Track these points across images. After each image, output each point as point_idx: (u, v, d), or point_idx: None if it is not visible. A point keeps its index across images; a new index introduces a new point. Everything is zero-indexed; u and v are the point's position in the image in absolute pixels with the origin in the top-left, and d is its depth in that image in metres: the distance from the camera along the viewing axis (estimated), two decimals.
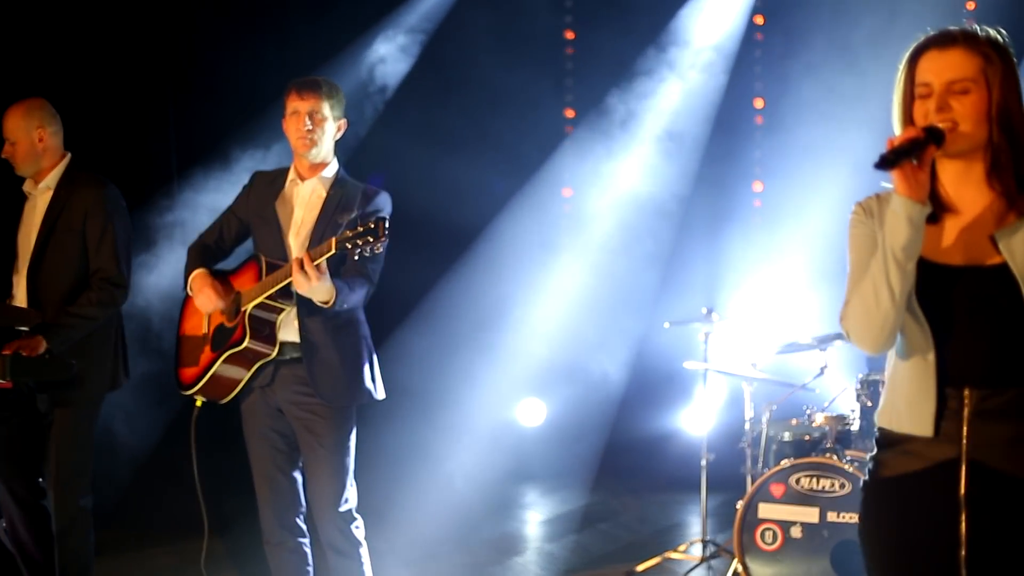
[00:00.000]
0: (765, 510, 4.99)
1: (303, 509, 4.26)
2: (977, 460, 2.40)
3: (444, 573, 5.63)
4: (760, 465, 5.46)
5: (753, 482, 5.25)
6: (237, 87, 6.63)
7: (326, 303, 3.99)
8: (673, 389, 6.89)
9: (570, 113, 7.88)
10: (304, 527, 4.27)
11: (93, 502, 4.45)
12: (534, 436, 7.72)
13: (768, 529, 4.98)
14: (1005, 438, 2.39)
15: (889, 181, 2.54)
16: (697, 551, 5.73)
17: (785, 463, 5.02)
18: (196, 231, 6.19)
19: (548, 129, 7.63)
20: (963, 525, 2.40)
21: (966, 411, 2.40)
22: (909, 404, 2.46)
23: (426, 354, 7.07)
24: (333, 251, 3.90)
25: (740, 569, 5.00)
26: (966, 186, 2.49)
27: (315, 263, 3.92)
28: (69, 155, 4.54)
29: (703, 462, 5.76)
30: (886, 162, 2.31)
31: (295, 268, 3.89)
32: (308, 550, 4.28)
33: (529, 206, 7.34)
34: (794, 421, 5.49)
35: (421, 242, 6.84)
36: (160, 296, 6.11)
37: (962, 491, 2.40)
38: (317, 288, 3.91)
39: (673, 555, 5.72)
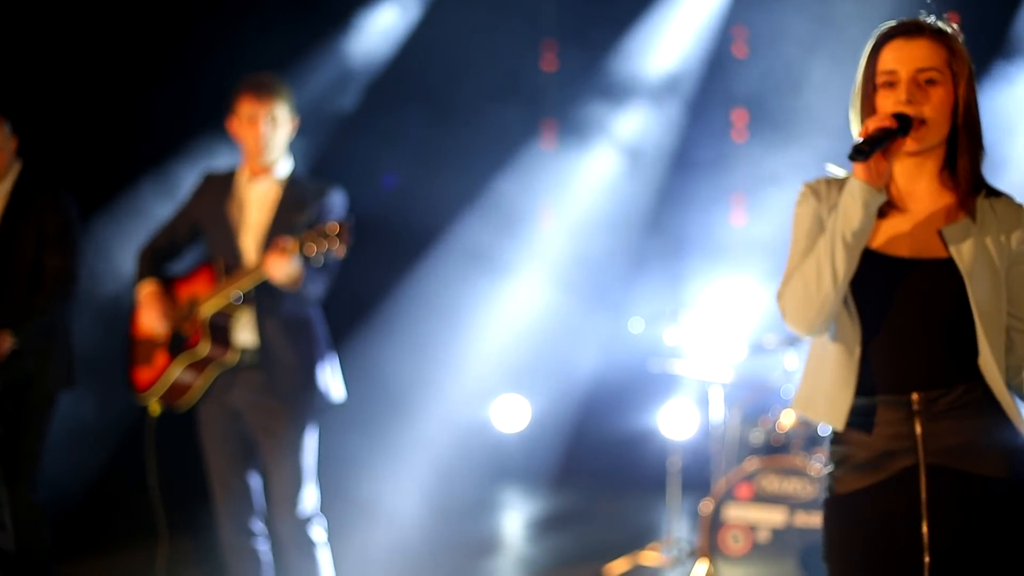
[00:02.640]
0: (732, 512, 4.95)
1: (260, 512, 4.26)
2: (935, 464, 2.37)
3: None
4: (727, 466, 5.42)
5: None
6: (208, 83, 6.56)
7: (294, 282, 3.98)
8: (653, 389, 6.84)
9: (549, 63, 7.79)
10: (262, 530, 4.27)
11: (44, 498, 4.43)
12: (513, 436, 7.67)
13: (735, 532, 4.94)
14: (959, 437, 2.37)
15: (840, 167, 2.53)
16: (667, 553, 5.70)
17: (751, 465, 4.97)
18: None
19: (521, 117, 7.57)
20: (925, 531, 2.36)
21: (917, 416, 2.37)
22: (827, 395, 2.43)
23: (396, 354, 7.02)
24: (297, 252, 3.90)
25: (707, 572, 4.96)
26: (918, 180, 2.46)
27: (288, 248, 3.93)
28: (22, 161, 4.49)
29: (670, 463, 5.73)
30: (860, 153, 2.27)
31: (273, 250, 3.91)
32: (265, 553, 4.28)
33: (499, 200, 7.28)
34: (763, 422, 5.46)
35: (387, 239, 6.81)
36: (122, 297, 6.06)
37: (923, 496, 2.37)
38: (287, 265, 3.92)
39: (643, 557, 5.69)
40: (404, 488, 6.53)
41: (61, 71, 6.13)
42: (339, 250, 3.85)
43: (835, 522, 2.48)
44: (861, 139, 2.28)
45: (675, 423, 5.87)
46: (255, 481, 4.24)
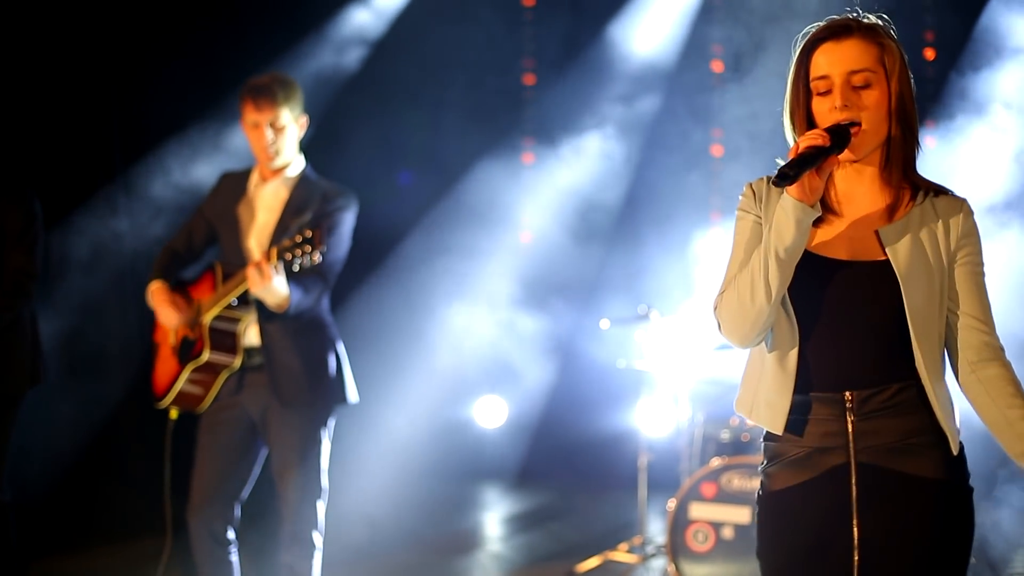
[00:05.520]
0: (696, 510, 4.96)
1: (235, 521, 4.19)
2: (865, 462, 2.37)
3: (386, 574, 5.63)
4: (696, 465, 5.43)
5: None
6: (187, 82, 6.57)
7: (280, 307, 3.93)
8: (629, 388, 6.86)
9: (529, 72, 7.81)
10: (232, 537, 4.20)
11: (10, 496, 4.43)
12: (488, 435, 7.70)
13: (700, 529, 4.96)
14: (890, 436, 2.37)
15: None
16: (637, 550, 5.72)
17: (716, 463, 4.99)
18: (141, 234, 6.21)
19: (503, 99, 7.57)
20: (855, 529, 2.37)
21: (849, 414, 2.37)
22: (768, 400, 2.43)
23: (375, 352, 7.02)
24: (274, 262, 3.82)
25: (672, 570, 4.98)
26: (858, 182, 2.45)
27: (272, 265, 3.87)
28: None
29: (640, 462, 5.75)
30: (785, 178, 2.22)
31: (251, 268, 3.83)
32: (235, 558, 4.22)
33: (477, 199, 7.29)
34: (734, 421, 5.46)
35: (367, 238, 6.81)
36: (95, 297, 6.08)
37: (853, 494, 2.37)
38: (271, 289, 3.83)
39: (613, 555, 5.70)
40: (380, 486, 6.55)
41: (34, 72, 6.13)
42: (314, 256, 3.74)
43: (768, 519, 2.48)
44: (787, 162, 2.24)
45: (649, 422, 5.88)
46: (240, 493, 4.17)
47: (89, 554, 5.80)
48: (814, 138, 2.26)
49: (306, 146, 6.67)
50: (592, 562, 5.62)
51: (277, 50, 6.79)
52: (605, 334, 6.01)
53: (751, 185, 2.50)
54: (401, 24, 7.21)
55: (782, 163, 2.28)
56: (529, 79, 7.77)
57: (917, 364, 2.35)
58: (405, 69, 7.33)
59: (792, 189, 2.29)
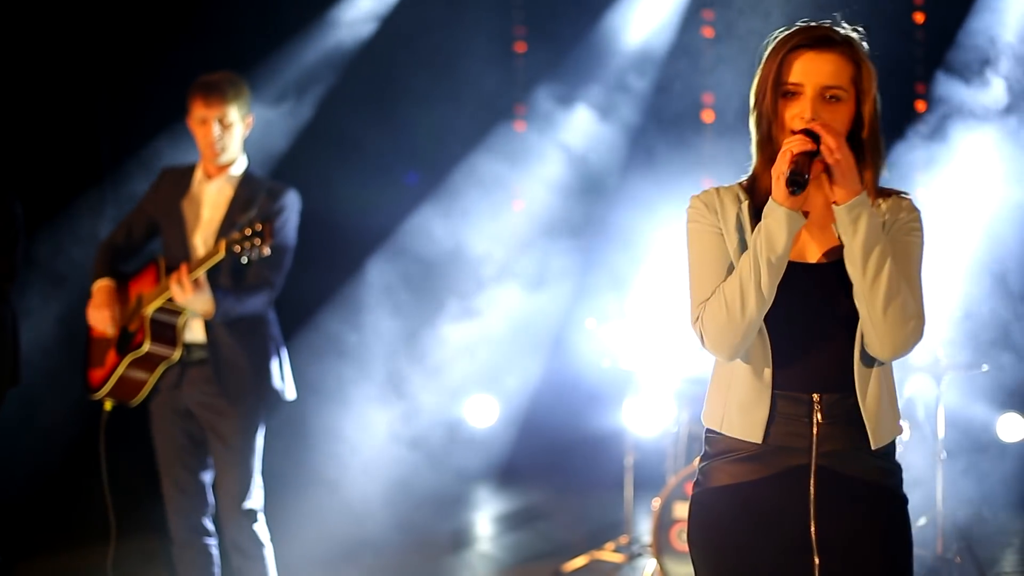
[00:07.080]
0: (681, 509, 4.97)
1: (210, 510, 4.29)
2: (824, 466, 2.37)
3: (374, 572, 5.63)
4: (682, 464, 5.44)
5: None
6: (175, 82, 6.55)
7: (206, 314, 4.02)
8: (619, 387, 6.86)
9: (520, 47, 7.79)
10: (211, 528, 4.29)
11: None
12: (477, 434, 7.69)
13: (684, 528, 4.95)
14: (853, 443, 2.37)
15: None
16: (625, 550, 5.72)
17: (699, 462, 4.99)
18: None
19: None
20: (813, 531, 2.37)
21: (816, 416, 2.37)
22: (741, 409, 2.40)
23: (365, 350, 7.04)
24: (222, 255, 3.91)
25: (657, 569, 4.99)
26: (816, 187, 2.42)
27: (193, 274, 3.93)
28: None
29: (627, 461, 5.76)
30: (800, 186, 2.24)
31: (172, 279, 3.92)
32: (215, 551, 4.31)
33: (467, 197, 7.28)
34: None
35: (355, 236, 6.82)
36: (79, 299, 6.06)
37: (811, 496, 2.37)
38: (193, 300, 3.95)
39: (600, 554, 5.71)
40: (369, 484, 6.55)
41: (22, 72, 6.13)
42: (263, 249, 3.84)
43: (710, 511, 2.45)
44: (795, 169, 2.24)
45: (635, 421, 5.89)
46: (206, 478, 4.27)
47: (75, 554, 5.80)
48: (803, 143, 2.27)
49: (303, 140, 6.74)
50: (579, 561, 5.63)
51: (268, 48, 6.81)
52: (592, 333, 6.01)
53: (698, 198, 2.47)
54: (392, 14, 7.23)
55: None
56: (520, 46, 7.75)
57: (854, 373, 2.36)
58: (391, 49, 7.32)
59: (782, 197, 2.28)
